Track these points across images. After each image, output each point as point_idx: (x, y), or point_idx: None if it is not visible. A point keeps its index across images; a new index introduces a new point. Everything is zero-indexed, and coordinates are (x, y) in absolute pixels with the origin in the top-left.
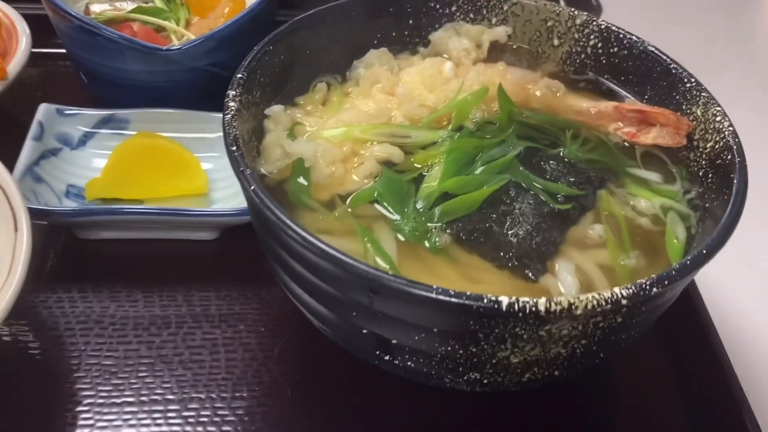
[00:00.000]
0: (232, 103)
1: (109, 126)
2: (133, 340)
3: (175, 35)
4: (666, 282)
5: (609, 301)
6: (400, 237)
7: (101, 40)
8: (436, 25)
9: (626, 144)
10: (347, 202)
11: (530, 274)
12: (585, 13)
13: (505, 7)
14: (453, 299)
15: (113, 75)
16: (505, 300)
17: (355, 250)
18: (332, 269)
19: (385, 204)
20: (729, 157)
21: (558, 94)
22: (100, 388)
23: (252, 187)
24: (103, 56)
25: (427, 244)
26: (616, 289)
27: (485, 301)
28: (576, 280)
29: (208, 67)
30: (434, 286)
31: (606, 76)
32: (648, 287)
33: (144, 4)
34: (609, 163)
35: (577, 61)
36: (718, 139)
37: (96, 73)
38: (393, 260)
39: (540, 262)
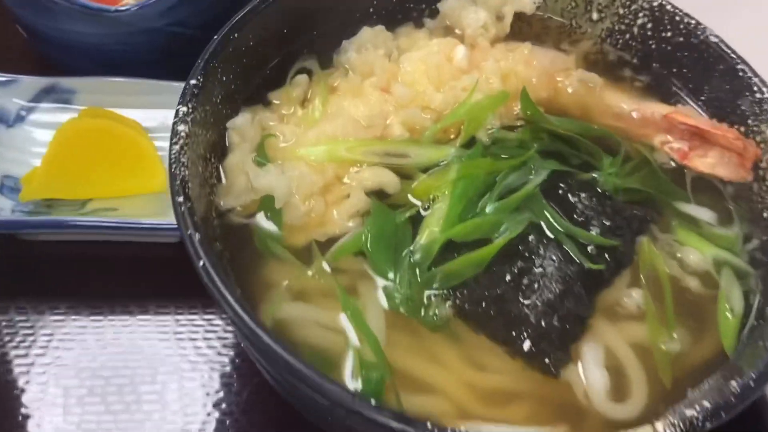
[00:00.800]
0: (182, 127)
1: (52, 98)
2: (73, 383)
3: None
4: (723, 413)
5: None
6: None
7: (42, 2)
8: None
9: (673, 164)
10: (327, 254)
11: (551, 366)
12: None
13: None
14: None
15: (58, 36)
16: None
17: (333, 323)
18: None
19: (375, 258)
20: None
21: (594, 91)
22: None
23: (201, 263)
24: (43, 16)
25: (423, 318)
26: (660, 427)
27: None
28: (604, 373)
29: (165, 27)
30: (428, 424)
31: (655, 65)
32: (700, 422)
33: None
34: (653, 193)
35: (620, 41)
36: None
37: (38, 31)
38: (379, 342)
39: (562, 348)
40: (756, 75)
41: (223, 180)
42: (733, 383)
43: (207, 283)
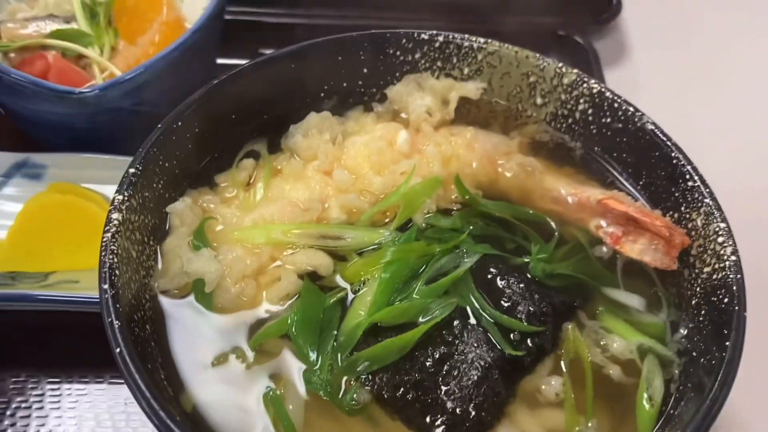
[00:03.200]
0: (115, 215)
1: (24, 172)
2: None
3: (98, 66)
4: None
5: None
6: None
7: (7, 81)
8: (397, 74)
9: (605, 249)
10: (252, 339)
11: None
12: (575, 71)
13: (480, 57)
14: None
15: (31, 115)
16: None
17: (253, 406)
18: None
19: (299, 341)
20: (726, 300)
21: (533, 175)
22: None
23: (118, 350)
24: (14, 96)
25: (340, 402)
26: None
27: None
28: None
29: (131, 107)
30: None
31: (596, 149)
32: None
33: (65, 24)
34: (583, 279)
35: (563, 126)
36: (717, 267)
37: (11, 109)
38: (294, 426)
39: None
40: (689, 163)
41: (160, 263)
42: None
43: (123, 370)
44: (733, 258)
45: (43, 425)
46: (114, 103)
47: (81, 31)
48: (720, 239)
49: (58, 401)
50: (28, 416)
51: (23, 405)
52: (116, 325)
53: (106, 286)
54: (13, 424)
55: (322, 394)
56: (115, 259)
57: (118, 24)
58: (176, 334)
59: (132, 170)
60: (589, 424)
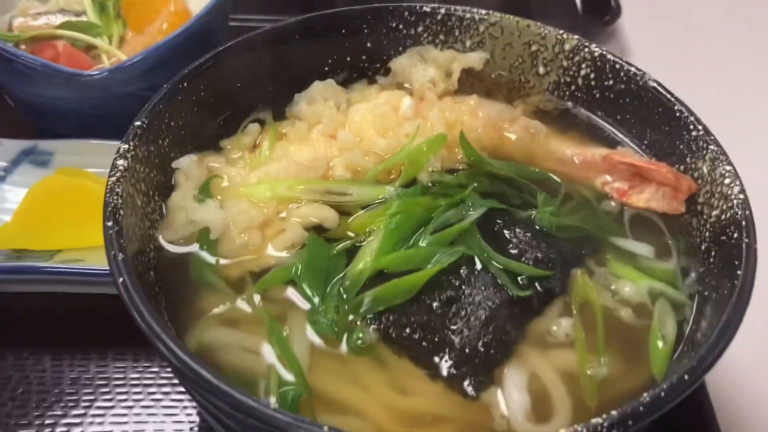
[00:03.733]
0: (121, 162)
1: (31, 159)
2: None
3: (106, 55)
4: (631, 422)
5: None
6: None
7: (18, 66)
8: (400, 49)
9: (613, 203)
10: (257, 283)
11: (470, 388)
12: (575, 36)
13: (482, 28)
14: None
15: (38, 101)
16: None
17: (258, 348)
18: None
19: (304, 286)
20: (735, 235)
21: (538, 138)
22: None
23: (121, 280)
24: (23, 81)
25: (345, 344)
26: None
27: None
28: (526, 397)
29: (140, 92)
30: (324, 428)
31: (599, 113)
32: (605, 430)
33: (75, 18)
34: (591, 230)
35: (566, 93)
36: (725, 207)
37: (20, 98)
38: (302, 367)
39: (484, 372)
40: (692, 114)
41: (166, 216)
42: (645, 395)
43: (125, 298)
44: (741, 196)
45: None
46: (121, 87)
47: (90, 23)
48: (726, 180)
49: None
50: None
51: (25, 380)
52: (119, 257)
53: (110, 223)
54: (12, 399)
55: (327, 334)
56: (120, 201)
57: (127, 16)
58: (181, 281)
59: (138, 123)
60: (602, 361)
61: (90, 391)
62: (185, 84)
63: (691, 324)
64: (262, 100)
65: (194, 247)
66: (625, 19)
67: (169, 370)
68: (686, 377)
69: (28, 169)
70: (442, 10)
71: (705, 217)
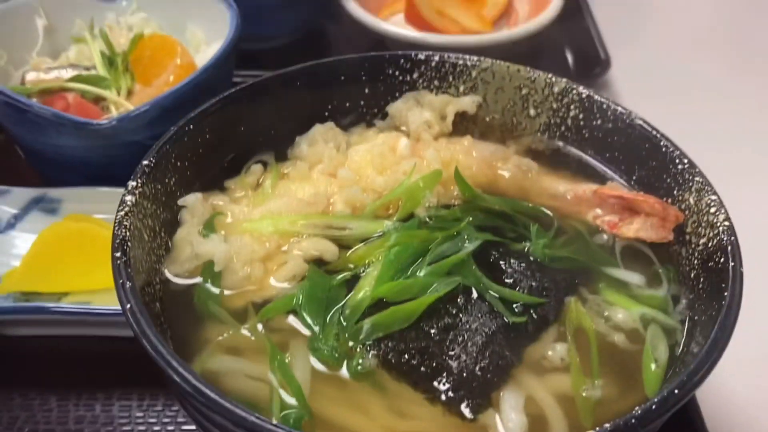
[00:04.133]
0: (129, 197)
1: (41, 207)
2: None
3: (114, 106)
4: None
5: None
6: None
7: (30, 116)
8: (396, 94)
9: (605, 236)
10: (259, 313)
11: (468, 411)
12: (564, 79)
13: (474, 74)
14: None
15: (48, 151)
16: None
17: (261, 374)
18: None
19: (305, 314)
20: (722, 260)
21: (530, 175)
22: None
23: (128, 306)
24: (34, 131)
25: (345, 369)
26: None
27: None
28: (523, 418)
29: (146, 141)
30: None
31: (589, 152)
32: None
33: (85, 71)
34: (583, 261)
35: (557, 133)
36: (711, 235)
37: (31, 148)
38: (303, 391)
39: (482, 395)
40: (677, 148)
41: (172, 251)
42: (637, 408)
43: (132, 324)
44: (726, 223)
45: None
46: (128, 136)
47: (99, 76)
48: (712, 209)
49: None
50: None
51: (31, 420)
52: (128, 285)
53: (118, 254)
54: None
55: (328, 360)
56: (128, 234)
57: (135, 70)
58: (185, 313)
59: (145, 162)
60: (596, 384)
61: (95, 429)
62: (191, 126)
63: (682, 347)
64: (265, 143)
65: (198, 280)
66: (614, 71)
67: (174, 408)
68: (676, 391)
69: (37, 216)
70: (436, 57)
71: (693, 245)
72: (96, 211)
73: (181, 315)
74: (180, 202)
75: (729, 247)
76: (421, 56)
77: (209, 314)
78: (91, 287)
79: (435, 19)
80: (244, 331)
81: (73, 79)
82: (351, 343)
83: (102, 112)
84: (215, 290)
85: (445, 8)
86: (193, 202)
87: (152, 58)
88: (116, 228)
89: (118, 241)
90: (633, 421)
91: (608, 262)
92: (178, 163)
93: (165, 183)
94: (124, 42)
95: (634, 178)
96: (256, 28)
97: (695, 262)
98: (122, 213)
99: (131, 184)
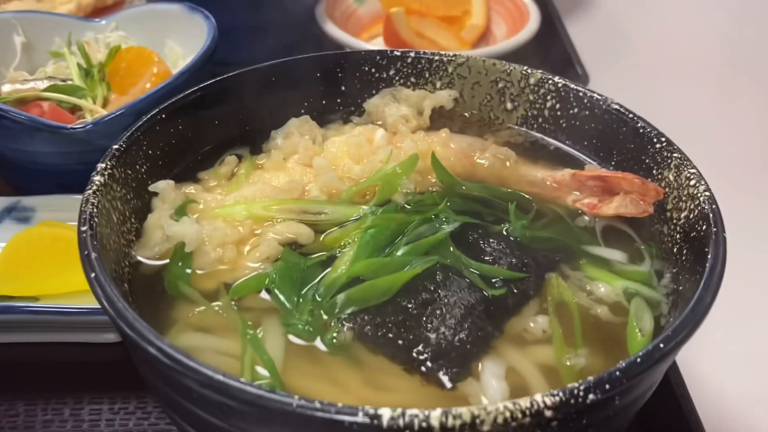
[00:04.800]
0: (97, 178)
1: (14, 216)
2: None
3: (90, 114)
4: (608, 386)
5: (528, 411)
6: (291, 335)
7: (4, 122)
8: (373, 91)
9: (586, 217)
10: (230, 290)
11: (447, 379)
12: (539, 71)
13: (450, 69)
14: (318, 413)
15: (22, 159)
16: (385, 414)
17: (232, 350)
18: (167, 370)
19: (278, 293)
20: (704, 227)
21: (508, 164)
22: None
23: (92, 275)
24: (8, 138)
25: (320, 342)
26: (538, 396)
27: (361, 414)
28: (504, 386)
29: None
30: (295, 397)
31: (567, 141)
32: (581, 393)
33: (60, 82)
34: (564, 241)
35: (534, 125)
36: (692, 206)
37: (4, 156)
38: (275, 364)
39: (460, 365)
40: (654, 129)
41: (142, 237)
42: (621, 362)
43: (97, 291)
44: (707, 193)
45: None
46: (104, 140)
47: (75, 85)
48: (692, 182)
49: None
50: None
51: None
52: (93, 256)
53: (84, 228)
54: None
55: (302, 335)
56: (95, 210)
57: (112, 81)
58: (155, 294)
59: (115, 146)
60: (579, 353)
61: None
62: (163, 116)
63: (668, 318)
64: (240, 138)
65: (168, 262)
66: (592, 88)
67: (146, 410)
68: (662, 345)
69: (10, 225)
70: (412, 54)
71: (675, 221)
72: (71, 219)
73: (151, 297)
74: (151, 187)
75: (711, 215)
76: (397, 53)
77: (179, 295)
78: (65, 290)
79: (414, 41)
80: (215, 310)
81: (49, 88)
82: (326, 317)
83: (78, 120)
84: (186, 271)
85: (423, 30)
86: (164, 187)
87: (129, 68)
88: (83, 205)
89: (84, 216)
90: (617, 373)
91: (589, 242)
92: (150, 152)
93: (136, 169)
94: (102, 57)
95: (612, 163)
96: (231, 54)
97: (677, 237)
98: (90, 192)
99: (100, 165)
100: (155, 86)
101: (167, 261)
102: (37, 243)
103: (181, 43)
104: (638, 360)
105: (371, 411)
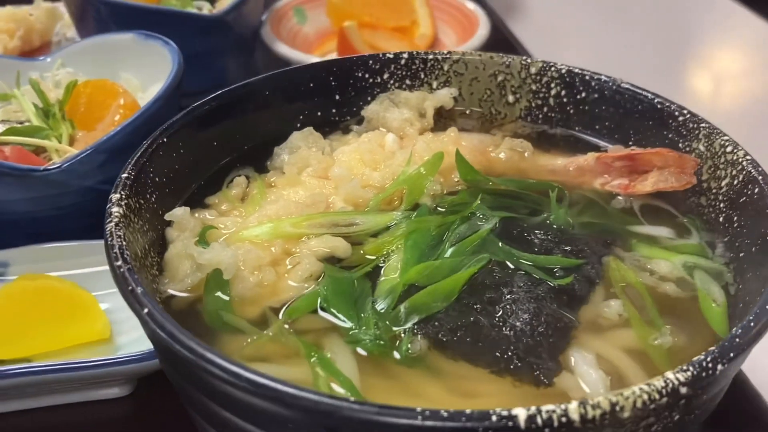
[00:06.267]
0: (116, 209)
1: None
2: None
3: (57, 154)
4: (732, 354)
5: (664, 391)
6: (361, 351)
7: None
8: (368, 98)
9: (620, 197)
10: (282, 313)
11: (542, 376)
12: (540, 60)
13: (446, 67)
14: (448, 423)
15: None
16: (521, 414)
17: (301, 379)
18: (267, 406)
19: (334, 311)
20: (756, 190)
21: (526, 155)
22: None
23: (145, 310)
24: None
25: (396, 355)
26: (670, 374)
27: (494, 418)
28: (602, 374)
29: (99, 186)
30: (418, 409)
31: (577, 128)
32: (711, 365)
33: (18, 125)
34: (607, 224)
35: (540, 116)
36: (734, 173)
37: None
38: (354, 383)
39: (551, 358)
40: (673, 103)
41: (165, 271)
42: (733, 329)
43: (155, 329)
44: (749, 158)
45: None
46: (80, 181)
47: (36, 126)
48: (729, 149)
49: None
50: None
51: None
52: (138, 291)
53: (119, 263)
54: None
55: (374, 350)
56: (124, 243)
57: (74, 118)
58: (196, 330)
59: (125, 175)
60: (662, 332)
61: None
62: (165, 139)
63: (736, 285)
64: (241, 158)
65: (204, 293)
66: None
67: None
68: (758, 310)
69: None
70: (405, 55)
71: (714, 191)
72: (49, 270)
73: (191, 331)
74: (167, 216)
75: (761, 177)
76: (390, 55)
77: (223, 326)
78: (58, 347)
79: (367, 52)
80: (270, 336)
81: (7, 132)
82: (394, 329)
83: (46, 162)
84: (226, 299)
85: (376, 42)
86: (181, 215)
87: (90, 103)
88: (109, 238)
89: (114, 251)
90: (737, 340)
91: (631, 222)
92: (157, 179)
93: (147, 198)
94: (54, 96)
95: (630, 143)
96: (186, 81)
97: (721, 206)
98: (112, 224)
99: (115, 196)
100: (125, 118)
101: (202, 293)
102: (20, 299)
103: (136, 74)
104: (751, 323)
105: (504, 413)
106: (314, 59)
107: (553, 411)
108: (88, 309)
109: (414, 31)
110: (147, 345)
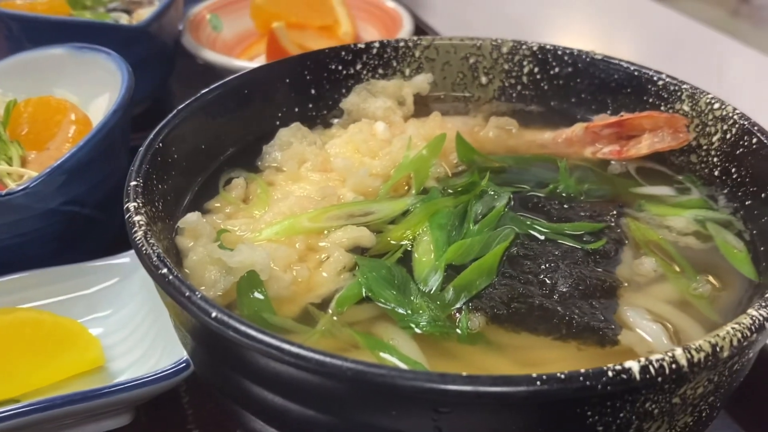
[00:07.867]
0: (138, 217)
1: None
2: None
3: (10, 178)
4: None
5: (753, 327)
6: (417, 332)
7: None
8: (343, 90)
9: (613, 163)
10: (330, 308)
11: (607, 336)
12: (510, 39)
13: (417, 53)
14: (567, 384)
15: None
16: (634, 366)
17: None
18: (370, 396)
19: (380, 298)
20: (754, 140)
21: (513, 131)
22: None
23: (213, 314)
24: None
25: (458, 332)
26: (753, 311)
27: (610, 374)
28: (659, 326)
29: (63, 208)
30: (534, 375)
31: (553, 103)
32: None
33: None
34: (612, 189)
35: (514, 95)
36: (726, 127)
37: None
38: (425, 365)
39: (607, 318)
40: (650, 69)
41: (190, 279)
42: None
43: (230, 335)
44: (738, 112)
45: None
46: (44, 203)
47: None
48: (716, 105)
49: None
50: None
51: None
52: (198, 295)
53: (164, 271)
54: None
55: (435, 331)
56: (162, 251)
57: (20, 140)
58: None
59: (134, 183)
60: (699, 280)
61: None
62: (160, 144)
63: (749, 231)
64: (229, 160)
65: (238, 297)
66: None
67: None
68: None
69: None
70: (377, 44)
71: (705, 147)
72: (22, 302)
73: None
74: (180, 223)
75: (755, 127)
76: (361, 45)
77: (267, 327)
78: (49, 382)
79: (297, 52)
80: (323, 331)
81: None
82: (450, 309)
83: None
84: (262, 299)
85: (305, 42)
86: (195, 221)
87: (34, 122)
88: (143, 248)
89: (153, 261)
90: None
91: (632, 185)
92: (160, 186)
93: (156, 206)
94: None
95: (608, 112)
96: None
97: (714, 160)
98: (140, 233)
99: (132, 205)
100: (81, 133)
101: (233, 300)
102: (2, 335)
103: (73, 90)
104: None
105: (618, 367)
106: (241, 63)
107: (662, 359)
108: (77, 337)
109: (337, 30)
110: (145, 368)
